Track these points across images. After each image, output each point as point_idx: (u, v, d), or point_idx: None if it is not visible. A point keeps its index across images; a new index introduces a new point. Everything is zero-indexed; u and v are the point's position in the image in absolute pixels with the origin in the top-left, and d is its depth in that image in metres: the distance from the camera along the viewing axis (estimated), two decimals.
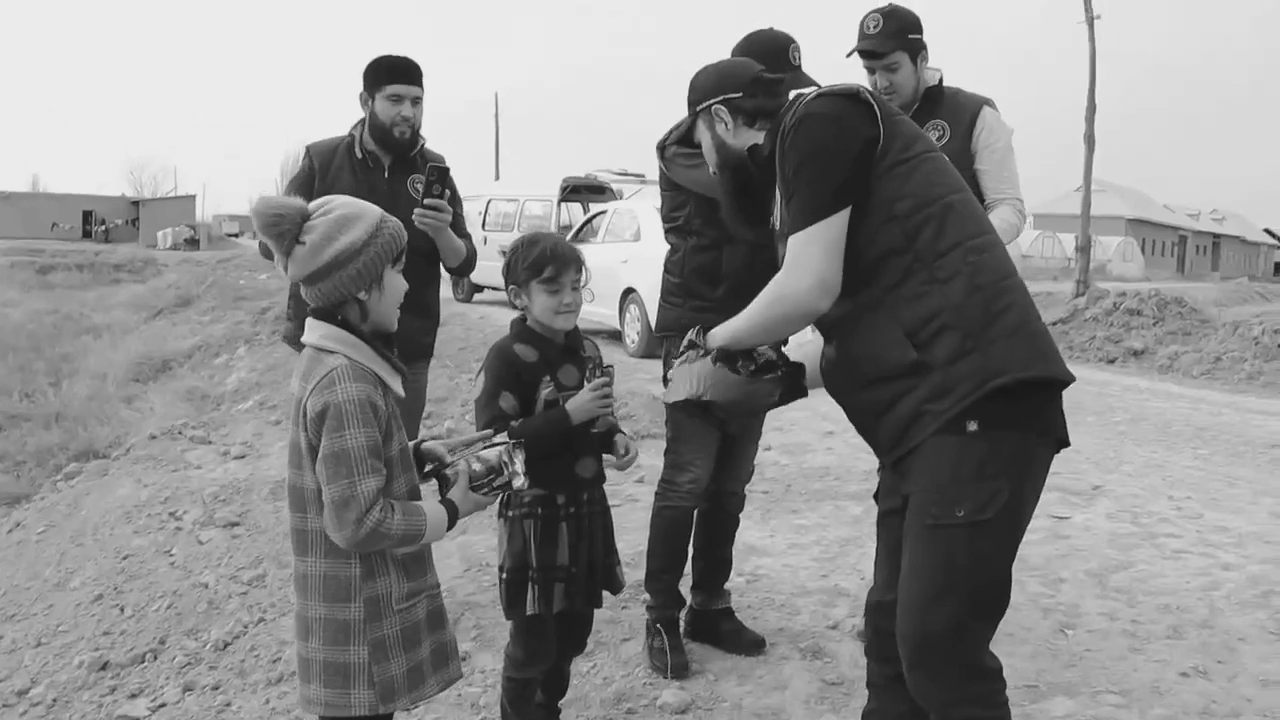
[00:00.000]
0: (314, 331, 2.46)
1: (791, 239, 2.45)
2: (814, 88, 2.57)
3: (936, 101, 3.82)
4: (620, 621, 4.35)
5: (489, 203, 19.63)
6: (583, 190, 19.53)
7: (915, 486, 2.46)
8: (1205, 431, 8.77)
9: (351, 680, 2.43)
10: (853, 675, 3.88)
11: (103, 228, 58.45)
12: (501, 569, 3.10)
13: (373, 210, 2.48)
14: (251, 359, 14.42)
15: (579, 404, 3.02)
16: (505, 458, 2.56)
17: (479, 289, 18.36)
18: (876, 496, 2.82)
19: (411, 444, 2.63)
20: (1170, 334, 14.38)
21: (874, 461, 7.00)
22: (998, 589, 2.45)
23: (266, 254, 4.06)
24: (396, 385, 2.48)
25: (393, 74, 4.10)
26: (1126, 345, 14.24)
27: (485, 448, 2.60)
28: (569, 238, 15.39)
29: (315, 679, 2.47)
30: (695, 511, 3.98)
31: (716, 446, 3.90)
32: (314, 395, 2.39)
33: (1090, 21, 22.50)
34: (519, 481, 2.57)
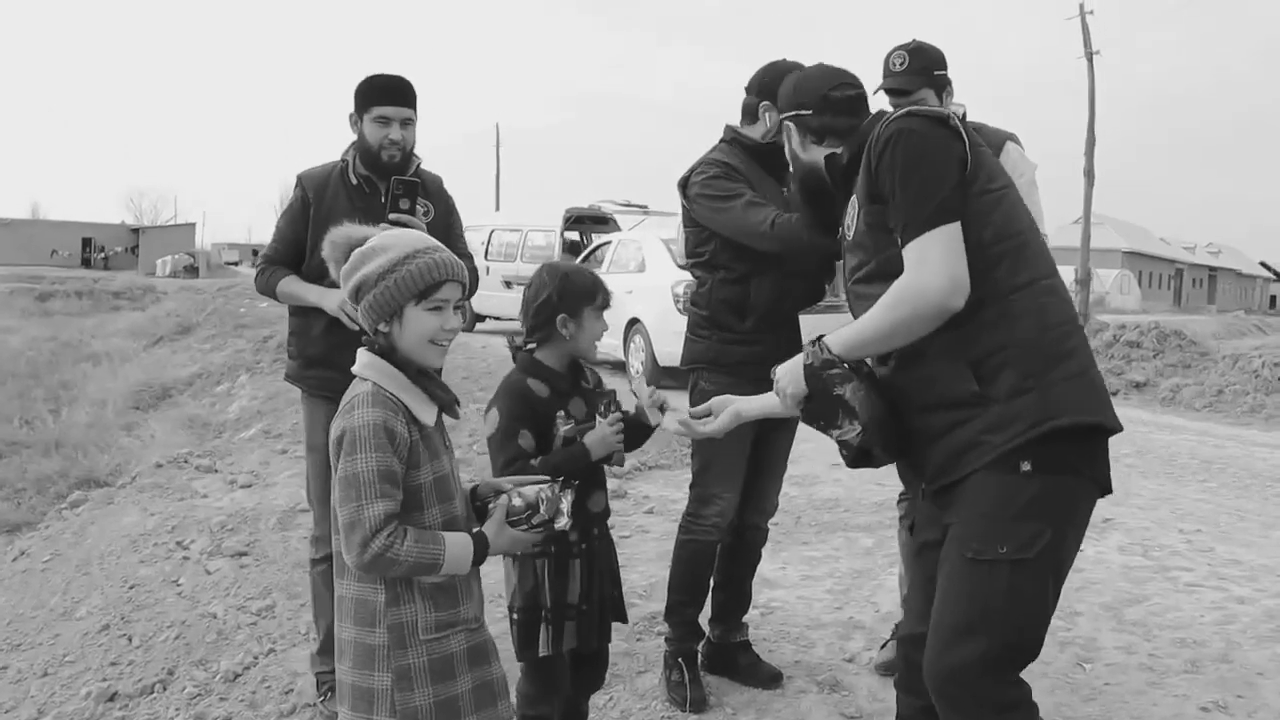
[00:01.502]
0: (359, 359, 2.49)
1: (909, 247, 2.42)
2: (901, 108, 2.57)
3: None
4: (636, 654, 4.33)
5: (492, 233, 19.66)
6: (586, 221, 19.59)
7: (958, 517, 2.47)
8: (1211, 464, 8.77)
9: (375, 706, 2.42)
10: (871, 709, 3.86)
11: (102, 255, 58.50)
12: (512, 609, 3.06)
13: (405, 243, 2.47)
14: (253, 387, 14.37)
15: (598, 439, 2.99)
16: (546, 494, 2.52)
17: (481, 318, 18.36)
18: (912, 528, 2.80)
19: (475, 483, 2.64)
20: (1170, 366, 14.40)
21: (883, 493, 7.05)
22: (1033, 631, 2.44)
23: (261, 291, 4.04)
24: (427, 416, 2.48)
25: (381, 95, 3.83)
26: (1128, 378, 14.25)
27: (531, 484, 2.58)
28: None
29: (345, 701, 2.48)
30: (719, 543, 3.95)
31: (743, 479, 3.89)
32: (335, 420, 2.44)
33: (1090, 57, 22.71)
34: (562, 522, 2.54)
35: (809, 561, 5.68)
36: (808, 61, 3.74)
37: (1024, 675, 3.78)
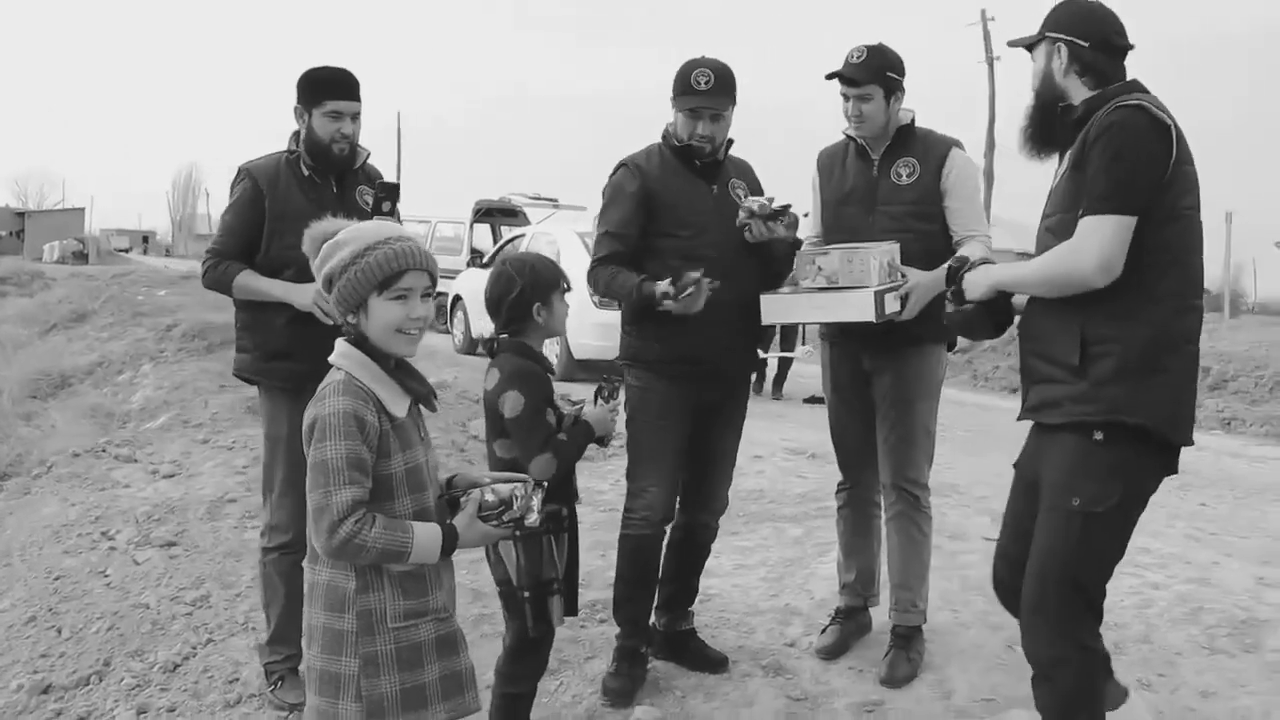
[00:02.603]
0: (336, 348, 2.53)
1: (1085, 220, 2.76)
2: (1136, 93, 2.84)
3: (908, 140, 3.99)
4: (581, 640, 4.41)
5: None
6: (495, 213, 19.54)
7: (1046, 471, 2.95)
8: None
9: (341, 691, 2.47)
10: (815, 691, 4.00)
11: None
12: (520, 588, 3.13)
13: (367, 235, 2.52)
14: (157, 376, 14.02)
15: (598, 417, 3.19)
16: (518, 492, 2.61)
17: None
18: (1016, 465, 3.23)
19: (450, 475, 2.70)
20: None
21: (805, 485, 7.22)
22: (1095, 578, 2.95)
23: (212, 285, 3.99)
24: (397, 408, 2.52)
25: (332, 89, 3.88)
26: None
27: (503, 481, 2.66)
28: (485, 260, 15.41)
29: (313, 686, 2.54)
30: (662, 539, 4.01)
31: (675, 471, 3.96)
32: (309, 408, 2.49)
33: (990, 62, 23.33)
34: (532, 519, 2.64)
35: (741, 551, 5.80)
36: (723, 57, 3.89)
37: (957, 657, 4.01)
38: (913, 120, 4.00)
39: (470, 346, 14.71)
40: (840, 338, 4.16)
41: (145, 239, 74.00)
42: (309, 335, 3.55)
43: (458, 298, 14.98)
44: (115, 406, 13.12)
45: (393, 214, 3.89)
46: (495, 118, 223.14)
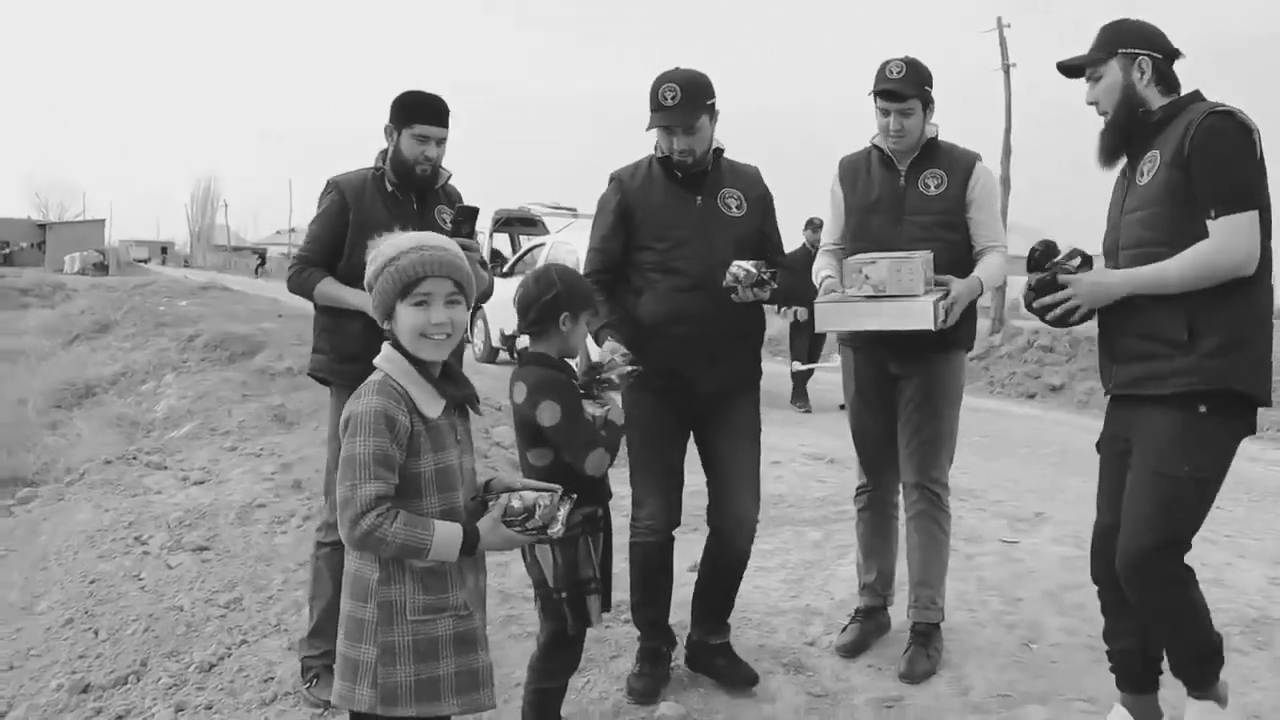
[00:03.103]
0: (382, 351, 2.67)
1: (1222, 219, 3.06)
2: (1211, 102, 3.18)
3: (934, 152, 4.11)
4: (607, 640, 4.50)
5: None
6: (514, 223, 19.65)
7: (1145, 439, 3.22)
8: None
9: (359, 676, 2.58)
10: (836, 688, 4.08)
11: (5, 250, 56.85)
12: (556, 590, 3.23)
13: (395, 245, 2.65)
14: (180, 386, 14.21)
15: (620, 415, 3.28)
16: (542, 502, 2.68)
17: None
18: (1098, 445, 3.54)
19: (487, 479, 2.80)
20: (1083, 370, 14.89)
21: (825, 489, 7.31)
22: (1191, 531, 3.20)
23: (296, 290, 4.18)
24: (430, 409, 2.62)
25: (422, 113, 4.06)
26: (1045, 381, 14.75)
27: (535, 489, 2.74)
28: (506, 269, 15.53)
29: (337, 669, 2.66)
30: (669, 543, 4.07)
31: (672, 481, 4.03)
32: (346, 405, 2.62)
33: (1006, 69, 23.32)
34: (555, 529, 2.71)
35: (761, 554, 5.86)
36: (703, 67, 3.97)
37: (974, 654, 4.08)
38: (936, 134, 4.11)
39: (490, 355, 14.83)
40: (866, 343, 4.24)
41: (164, 250, 74.54)
42: (381, 341, 3.70)
43: (477, 306, 15.05)
44: (140, 415, 13.31)
45: (471, 236, 4.02)
46: (495, 118, 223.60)
